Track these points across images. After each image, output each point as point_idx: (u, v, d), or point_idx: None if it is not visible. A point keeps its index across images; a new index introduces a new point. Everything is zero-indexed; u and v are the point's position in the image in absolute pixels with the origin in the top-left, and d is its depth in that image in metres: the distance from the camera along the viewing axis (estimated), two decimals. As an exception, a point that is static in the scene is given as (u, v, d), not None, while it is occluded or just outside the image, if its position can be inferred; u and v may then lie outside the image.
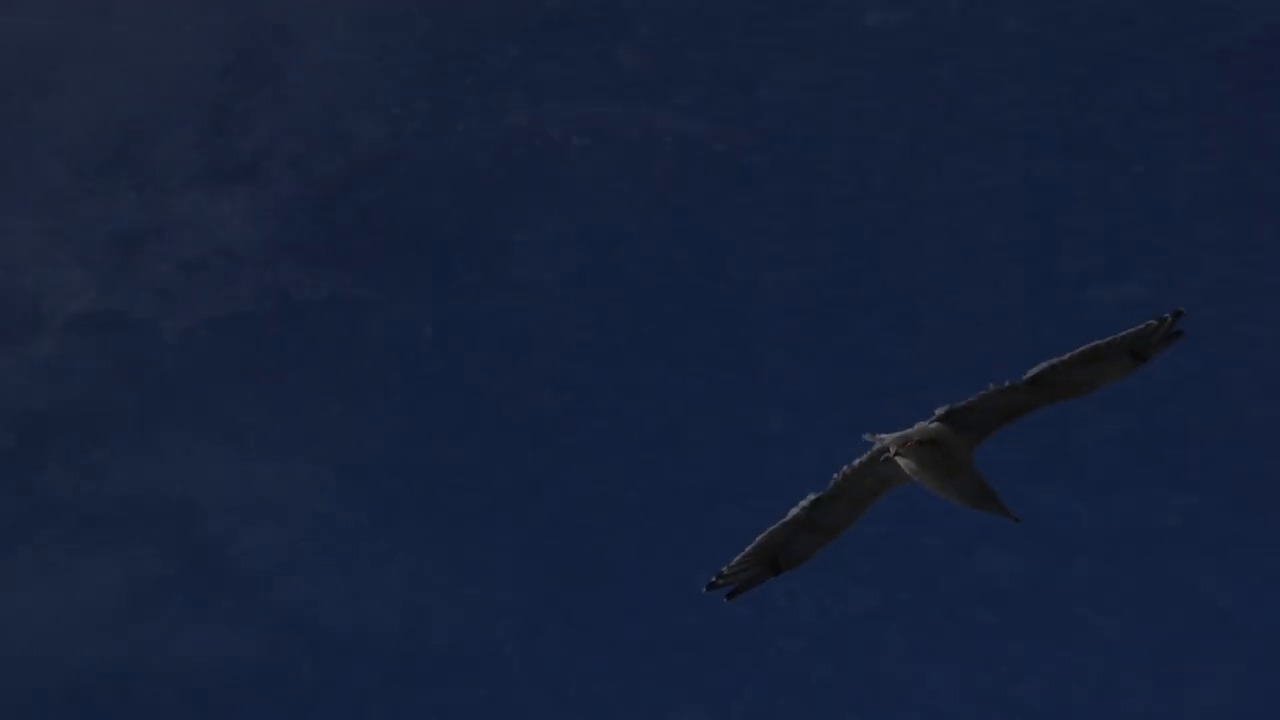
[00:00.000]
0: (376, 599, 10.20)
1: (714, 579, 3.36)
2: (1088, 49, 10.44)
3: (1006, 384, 3.03)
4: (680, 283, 11.23)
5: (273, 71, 12.81)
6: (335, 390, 11.30)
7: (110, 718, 9.59)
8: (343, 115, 12.40)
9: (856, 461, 3.40)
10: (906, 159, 10.96)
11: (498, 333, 11.29)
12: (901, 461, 3.13)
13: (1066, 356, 3.10)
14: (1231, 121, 9.91)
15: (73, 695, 9.78)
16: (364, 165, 12.24)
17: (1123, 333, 2.97)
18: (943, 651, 9.21)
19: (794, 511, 3.48)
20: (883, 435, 3.25)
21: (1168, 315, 2.94)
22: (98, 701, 9.63)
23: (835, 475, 3.46)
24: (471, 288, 11.63)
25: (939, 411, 3.19)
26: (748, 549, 3.16)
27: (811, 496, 3.51)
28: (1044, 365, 3.15)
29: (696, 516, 9.83)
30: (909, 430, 3.04)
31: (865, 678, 9.11)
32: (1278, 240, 9.72)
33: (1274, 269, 9.52)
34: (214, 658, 9.94)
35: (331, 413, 11.20)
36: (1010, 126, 10.30)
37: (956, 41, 10.83)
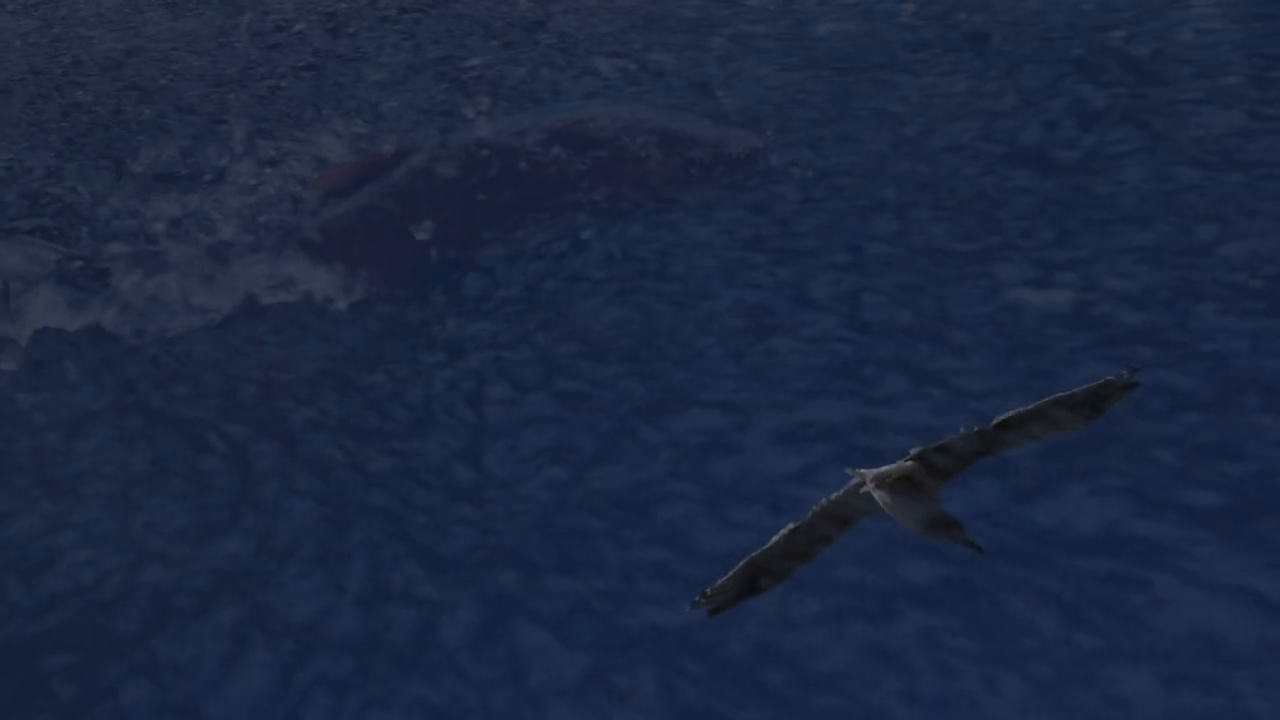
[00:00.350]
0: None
1: (698, 599, 3.44)
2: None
3: (976, 429, 3.16)
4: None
5: None
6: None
7: None
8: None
9: (834, 495, 3.57)
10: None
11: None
12: (877, 495, 3.27)
13: (1033, 406, 3.23)
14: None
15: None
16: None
17: (1085, 386, 3.11)
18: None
19: (775, 539, 3.65)
20: (863, 470, 3.39)
21: (1125, 372, 3.08)
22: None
23: (814, 507, 3.62)
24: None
25: (913, 452, 3.36)
26: (732, 572, 3.27)
27: (791, 526, 3.68)
28: (1012, 413, 3.29)
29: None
30: (888, 468, 3.17)
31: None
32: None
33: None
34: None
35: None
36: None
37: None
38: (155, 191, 3.18)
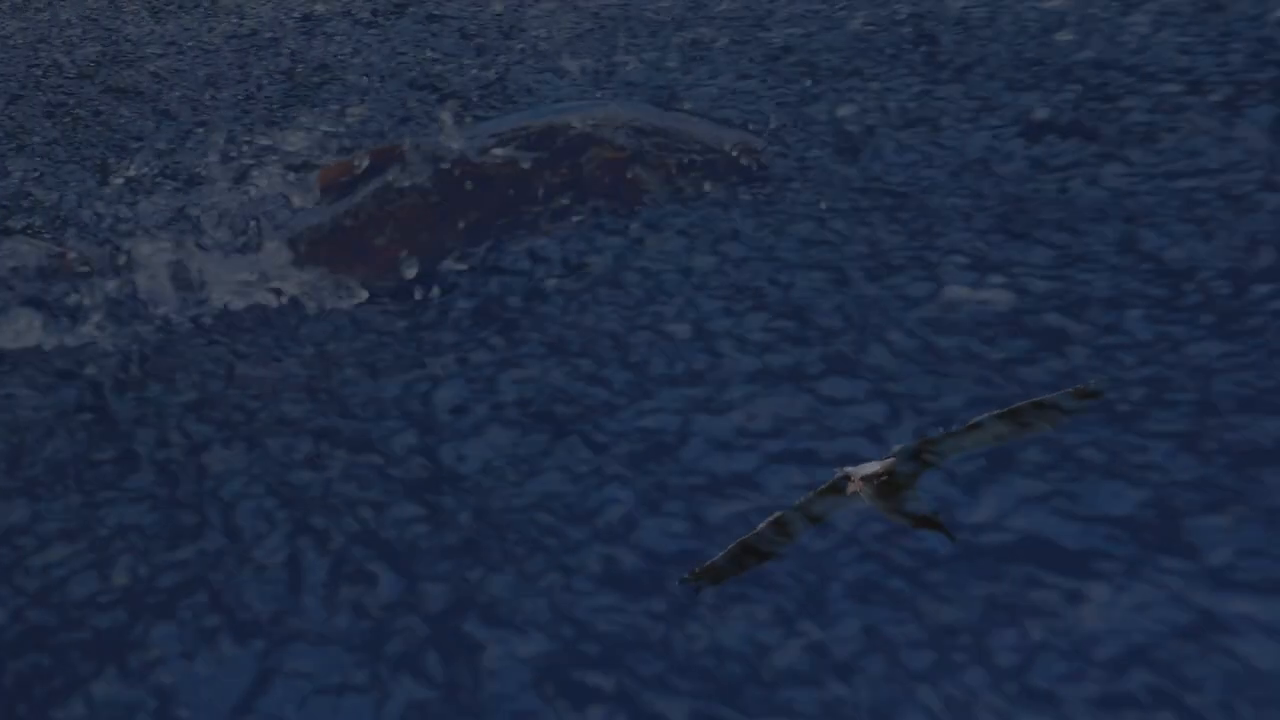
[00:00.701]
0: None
1: (687, 575, 3.45)
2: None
3: (954, 427, 3.24)
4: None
5: None
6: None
7: None
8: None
9: (821, 486, 3.67)
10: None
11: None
12: (864, 493, 3.36)
13: (1005, 411, 3.32)
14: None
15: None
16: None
17: (1054, 394, 3.19)
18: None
19: (762, 525, 3.75)
20: (850, 469, 3.49)
21: (1089, 384, 3.16)
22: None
23: (800, 499, 3.72)
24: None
25: (895, 449, 3.45)
26: (725, 551, 3.35)
27: (778, 514, 3.78)
28: (985, 415, 3.38)
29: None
30: (873, 467, 3.25)
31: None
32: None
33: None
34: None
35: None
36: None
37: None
38: (131, 193, 3.23)
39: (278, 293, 2.47)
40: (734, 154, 2.56)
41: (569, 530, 1.64)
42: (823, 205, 2.35)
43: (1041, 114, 2.57)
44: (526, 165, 2.54)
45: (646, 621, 1.51)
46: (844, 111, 2.72)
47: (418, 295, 2.38)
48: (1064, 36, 2.94)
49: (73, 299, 2.52)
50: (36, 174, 3.46)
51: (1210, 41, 2.79)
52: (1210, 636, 1.32)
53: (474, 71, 3.75)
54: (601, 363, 2.01)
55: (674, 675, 1.43)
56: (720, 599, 1.54)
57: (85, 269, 2.62)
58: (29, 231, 3.01)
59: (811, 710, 1.36)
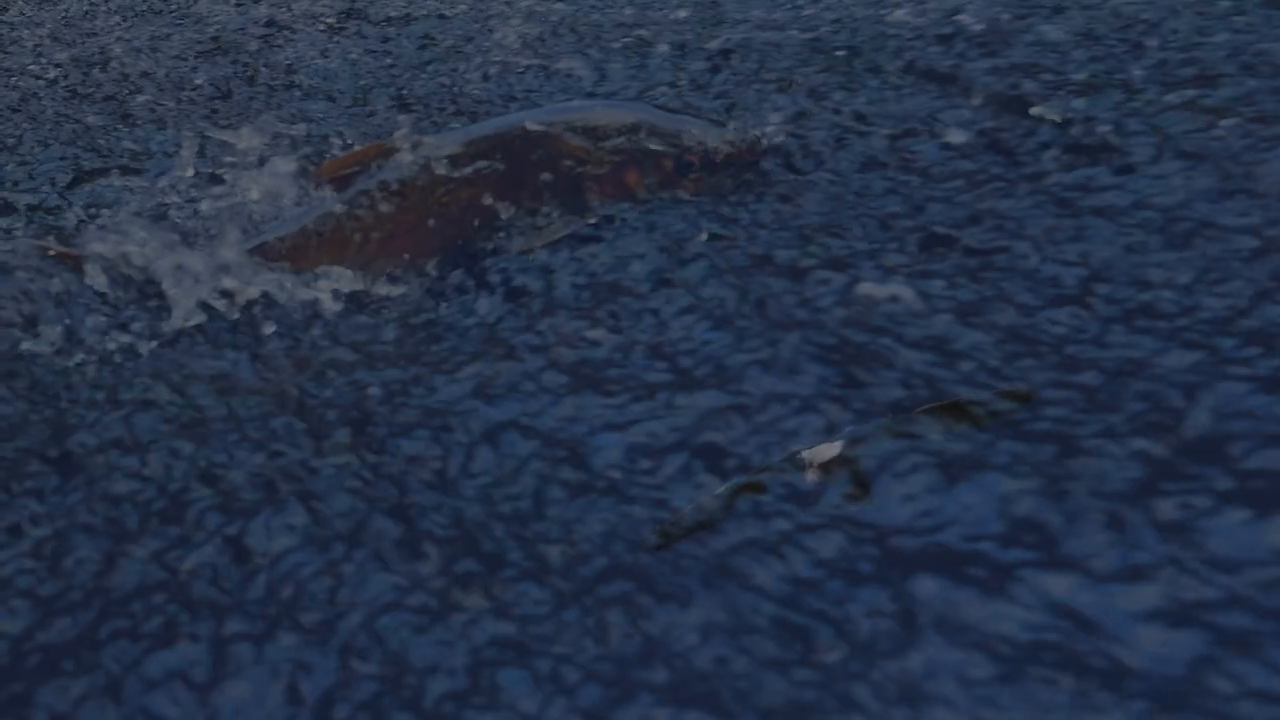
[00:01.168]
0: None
1: (656, 531, 3.36)
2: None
3: (882, 422, 3.34)
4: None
5: None
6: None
7: None
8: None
9: (773, 462, 3.74)
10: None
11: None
12: (813, 477, 3.47)
13: (934, 406, 3.43)
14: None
15: None
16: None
17: (975, 396, 3.30)
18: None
19: (721, 488, 3.82)
20: (806, 453, 3.58)
21: (1020, 388, 3.25)
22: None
23: (755, 468, 3.80)
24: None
25: (845, 432, 3.55)
26: (687, 509, 3.37)
27: (735, 480, 3.86)
28: (930, 405, 3.48)
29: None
30: (826, 451, 3.36)
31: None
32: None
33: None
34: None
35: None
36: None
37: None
38: (100, 192, 3.30)
39: (230, 295, 2.53)
40: (710, 154, 2.60)
41: (499, 523, 1.74)
42: (730, 211, 2.45)
43: (964, 119, 2.68)
44: (490, 171, 2.58)
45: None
46: (782, 116, 2.82)
47: (390, 299, 2.46)
48: (976, 51, 3.06)
49: (51, 297, 2.57)
50: (7, 171, 3.54)
51: (1131, 53, 2.90)
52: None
53: (436, 79, 3.84)
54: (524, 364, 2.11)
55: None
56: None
57: (66, 264, 2.67)
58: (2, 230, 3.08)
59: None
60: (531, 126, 2.59)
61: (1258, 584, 1.40)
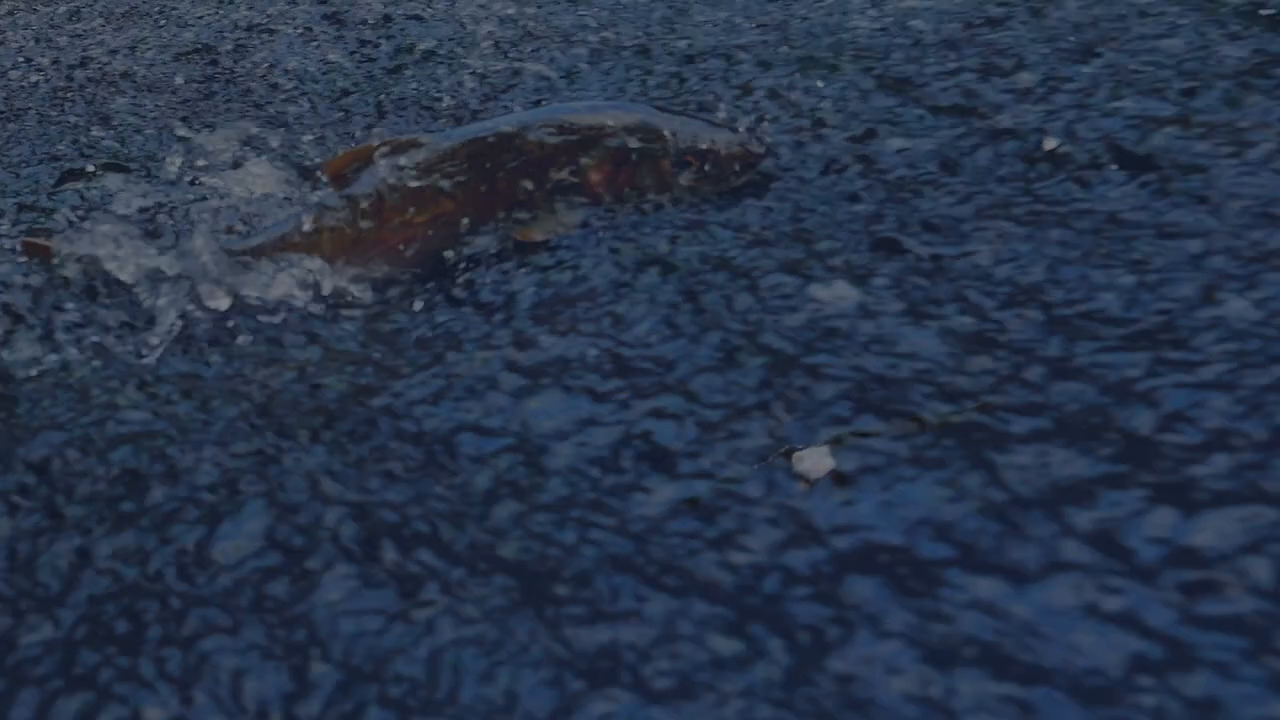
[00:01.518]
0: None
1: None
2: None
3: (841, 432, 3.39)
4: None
5: None
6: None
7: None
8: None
9: (767, 459, 3.77)
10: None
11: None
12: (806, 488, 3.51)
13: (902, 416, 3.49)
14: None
15: None
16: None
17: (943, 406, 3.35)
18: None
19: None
20: (798, 451, 3.61)
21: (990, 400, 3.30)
22: None
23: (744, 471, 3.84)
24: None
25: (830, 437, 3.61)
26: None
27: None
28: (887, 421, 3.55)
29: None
30: (825, 462, 3.42)
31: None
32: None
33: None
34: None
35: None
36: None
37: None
38: (86, 192, 3.34)
39: (204, 297, 2.56)
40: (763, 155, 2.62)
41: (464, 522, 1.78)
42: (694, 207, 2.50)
43: (909, 126, 2.73)
44: (484, 171, 2.60)
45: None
46: (746, 116, 2.87)
47: (383, 301, 2.50)
48: (932, 57, 3.11)
49: (26, 295, 2.60)
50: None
51: (1100, 60, 2.95)
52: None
53: (414, 84, 3.89)
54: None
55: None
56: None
57: (40, 262, 2.68)
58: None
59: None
60: (529, 126, 2.60)
61: (1182, 585, 1.44)
